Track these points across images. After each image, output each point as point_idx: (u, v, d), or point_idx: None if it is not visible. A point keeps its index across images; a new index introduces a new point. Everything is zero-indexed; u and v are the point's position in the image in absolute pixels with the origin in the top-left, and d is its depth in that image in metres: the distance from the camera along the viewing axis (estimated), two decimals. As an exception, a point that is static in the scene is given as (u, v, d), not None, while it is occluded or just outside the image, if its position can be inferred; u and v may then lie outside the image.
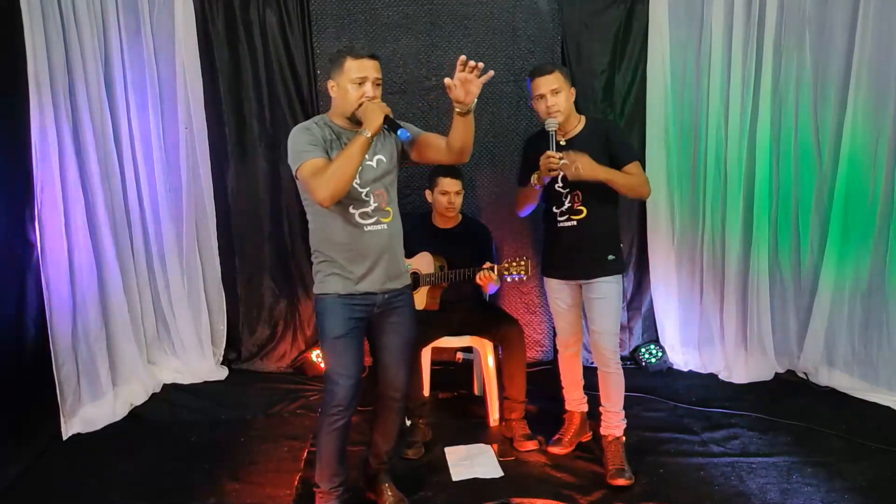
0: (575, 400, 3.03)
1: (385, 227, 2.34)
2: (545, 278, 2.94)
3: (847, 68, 3.46)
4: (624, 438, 2.83)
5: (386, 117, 2.20)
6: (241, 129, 3.95)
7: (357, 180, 2.27)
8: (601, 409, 2.86)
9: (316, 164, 2.18)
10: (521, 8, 3.83)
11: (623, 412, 2.83)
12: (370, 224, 2.31)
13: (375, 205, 2.32)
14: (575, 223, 2.75)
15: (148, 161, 3.80)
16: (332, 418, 2.33)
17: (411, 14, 3.82)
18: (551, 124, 2.63)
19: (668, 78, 3.77)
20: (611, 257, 2.76)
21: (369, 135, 2.16)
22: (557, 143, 2.64)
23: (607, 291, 2.75)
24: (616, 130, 2.74)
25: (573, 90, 2.73)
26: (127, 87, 3.67)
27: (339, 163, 2.15)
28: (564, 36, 3.83)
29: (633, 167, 2.70)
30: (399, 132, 2.21)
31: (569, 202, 2.75)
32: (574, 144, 2.68)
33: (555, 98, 2.64)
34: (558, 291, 2.89)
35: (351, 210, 2.29)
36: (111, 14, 3.54)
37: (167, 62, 3.76)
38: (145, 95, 3.72)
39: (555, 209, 2.79)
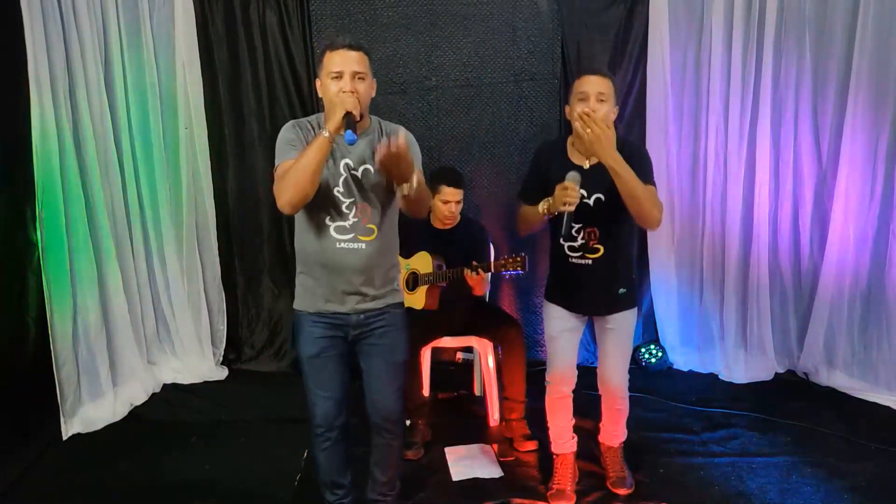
0: (566, 441, 2.71)
1: (363, 245, 2.10)
2: (546, 302, 2.63)
3: (847, 68, 3.46)
4: (623, 445, 2.78)
5: (347, 114, 1.92)
6: (240, 129, 3.95)
7: (340, 189, 2.07)
8: (602, 424, 2.76)
9: (284, 167, 1.99)
10: (521, 8, 3.83)
11: (625, 427, 2.74)
12: (345, 241, 2.09)
13: (355, 220, 2.09)
14: (590, 262, 2.45)
15: (148, 161, 3.79)
16: (318, 440, 2.24)
17: (411, 14, 3.82)
18: (573, 177, 2.28)
19: (668, 78, 3.77)
20: (622, 290, 2.50)
21: (326, 134, 1.91)
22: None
23: (622, 321, 2.52)
24: (638, 154, 2.39)
25: (616, 109, 2.41)
26: (127, 87, 3.66)
27: (295, 168, 1.93)
28: (564, 36, 3.83)
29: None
30: (346, 133, 1.90)
31: (583, 238, 2.45)
32: (595, 171, 2.36)
33: (597, 105, 2.30)
34: (560, 315, 2.57)
35: (327, 222, 2.09)
36: (111, 14, 3.53)
37: (167, 62, 3.76)
38: (145, 95, 3.72)
39: (562, 241, 2.47)
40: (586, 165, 2.39)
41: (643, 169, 2.34)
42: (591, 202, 2.43)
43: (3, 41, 2.96)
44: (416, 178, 1.92)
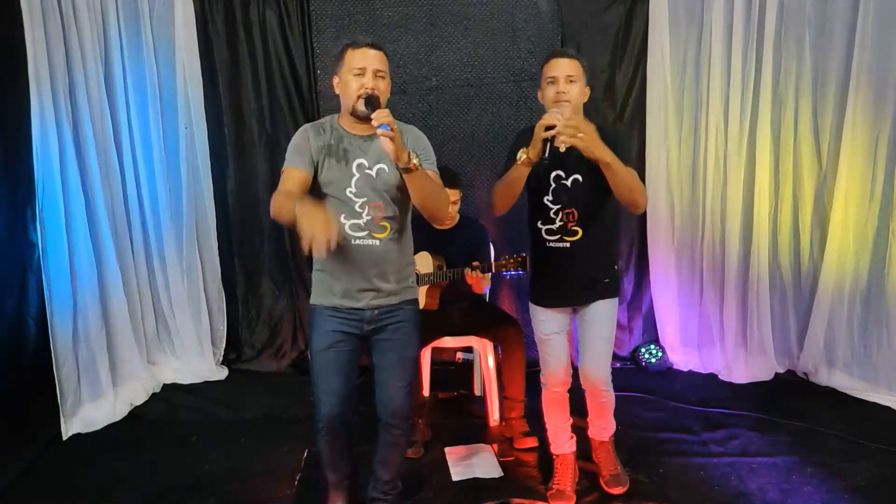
0: (565, 441, 2.69)
1: (377, 242, 2.15)
2: (531, 304, 2.60)
3: (847, 68, 3.46)
4: (613, 438, 2.75)
5: (369, 96, 2.04)
6: (240, 130, 3.95)
7: (352, 189, 2.12)
8: (589, 419, 2.73)
9: (285, 177, 2.09)
10: (521, 8, 3.83)
11: (613, 419, 2.71)
12: (360, 238, 2.14)
13: (369, 218, 2.14)
14: (568, 245, 2.44)
15: (148, 161, 3.79)
16: (321, 433, 2.25)
17: (411, 14, 3.82)
18: (556, 112, 2.21)
19: (668, 78, 3.77)
20: (606, 280, 2.50)
21: (296, 212, 1.85)
22: (556, 147, 2.22)
23: (601, 312, 2.49)
24: (618, 138, 2.39)
25: (588, 90, 2.41)
26: (127, 87, 3.67)
27: (278, 202, 1.98)
28: (564, 36, 3.83)
29: None
30: (380, 127, 1.93)
31: (560, 220, 2.43)
32: (572, 153, 2.29)
33: (568, 86, 2.31)
34: (546, 317, 2.56)
35: (342, 219, 2.12)
36: (111, 14, 3.54)
37: (167, 62, 3.76)
38: (145, 95, 3.72)
39: (541, 224, 2.47)
40: (562, 149, 2.31)
41: (626, 154, 2.34)
42: (568, 183, 2.42)
43: (3, 41, 2.97)
44: (388, 119, 1.93)
